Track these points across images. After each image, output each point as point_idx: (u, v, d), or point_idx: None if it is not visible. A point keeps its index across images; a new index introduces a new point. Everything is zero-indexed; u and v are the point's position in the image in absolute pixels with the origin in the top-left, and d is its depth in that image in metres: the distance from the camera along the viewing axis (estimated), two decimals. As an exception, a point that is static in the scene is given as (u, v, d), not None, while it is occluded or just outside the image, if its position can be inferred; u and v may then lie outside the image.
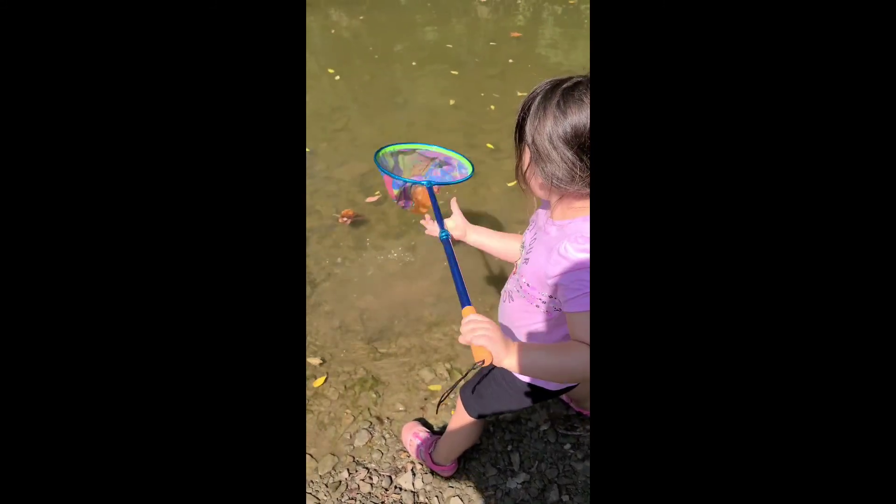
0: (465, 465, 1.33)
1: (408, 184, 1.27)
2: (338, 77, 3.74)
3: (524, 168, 0.78)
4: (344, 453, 1.39)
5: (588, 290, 0.72)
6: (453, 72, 3.75)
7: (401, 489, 1.30)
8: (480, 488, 1.29)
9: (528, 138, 0.74)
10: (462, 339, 0.72)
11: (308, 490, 1.30)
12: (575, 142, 0.70)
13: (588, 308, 0.72)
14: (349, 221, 2.25)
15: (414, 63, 3.93)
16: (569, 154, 0.71)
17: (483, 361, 0.70)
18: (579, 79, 0.72)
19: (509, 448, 1.37)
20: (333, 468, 1.35)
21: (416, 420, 1.45)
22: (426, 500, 1.27)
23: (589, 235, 0.73)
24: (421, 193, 1.29)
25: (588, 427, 1.42)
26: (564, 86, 0.72)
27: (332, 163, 2.69)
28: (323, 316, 1.82)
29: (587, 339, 0.73)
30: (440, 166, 1.33)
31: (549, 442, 1.39)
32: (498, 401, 1.06)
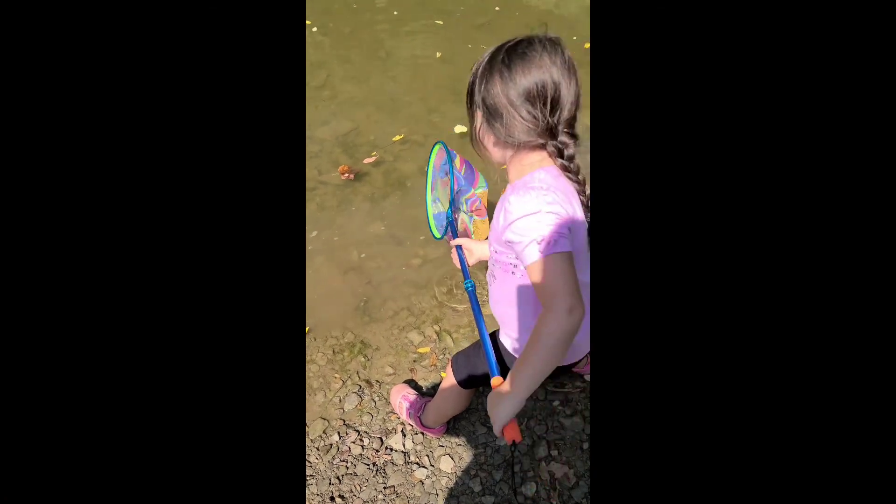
0: (455, 425, 1.35)
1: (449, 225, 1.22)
2: (315, 29, 3.55)
3: (478, 130, 0.80)
4: (334, 417, 1.40)
5: (534, 236, 0.71)
6: (438, 21, 3.57)
7: (392, 450, 1.31)
8: (470, 447, 1.31)
9: (478, 100, 0.77)
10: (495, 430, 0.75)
11: (299, 454, 1.32)
12: (521, 94, 0.73)
13: (539, 257, 0.71)
14: (352, 177, 2.18)
15: (396, 13, 3.73)
16: (517, 107, 0.73)
17: (513, 441, 0.73)
18: (522, 38, 0.75)
19: (498, 407, 1.39)
20: (324, 432, 1.36)
21: (404, 382, 1.45)
22: (417, 460, 1.29)
23: (533, 185, 0.75)
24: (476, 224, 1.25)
25: (576, 384, 1.43)
26: (508, 45, 0.75)
27: (312, 122, 2.58)
28: (309, 280, 1.79)
29: (546, 294, 0.71)
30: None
31: (538, 399, 1.40)
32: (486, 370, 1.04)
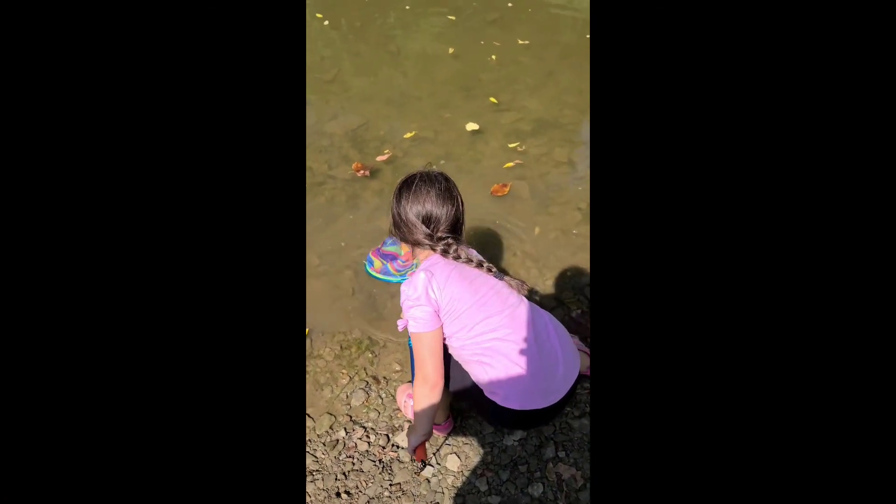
0: (462, 424, 1.34)
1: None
2: (327, 22, 3.54)
3: (391, 228, 1.13)
4: (341, 413, 1.39)
5: (405, 318, 1.04)
6: (450, 17, 3.55)
7: (398, 447, 1.31)
8: (477, 445, 1.30)
9: (390, 213, 1.11)
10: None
11: (306, 449, 1.31)
12: (406, 214, 1.05)
13: (408, 333, 1.05)
14: (367, 173, 2.18)
15: (408, 7, 3.71)
16: (405, 221, 1.06)
17: (422, 461, 1.15)
18: (413, 174, 1.07)
19: (506, 407, 1.38)
20: (331, 427, 1.36)
21: (409, 382, 1.45)
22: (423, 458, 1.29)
23: (417, 274, 1.04)
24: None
25: (585, 385, 1.42)
26: (404, 179, 1.07)
27: (322, 116, 2.58)
28: (317, 276, 1.79)
29: (414, 363, 1.07)
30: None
31: (546, 400, 1.39)
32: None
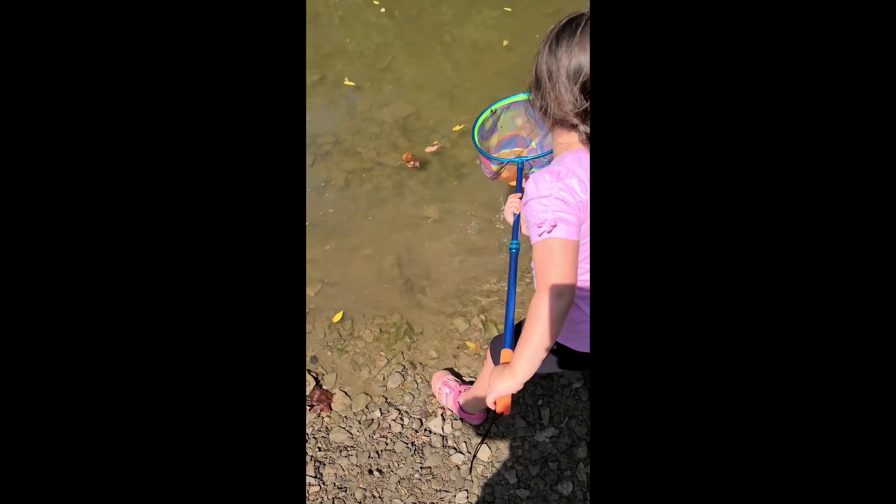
0: (494, 415, 1.35)
1: (504, 163, 1.29)
2: (383, 10, 3.57)
3: (531, 93, 0.82)
4: (377, 394, 1.43)
5: (537, 220, 0.73)
6: (506, 8, 3.50)
7: (431, 432, 1.33)
8: (508, 438, 1.31)
9: (532, 68, 0.78)
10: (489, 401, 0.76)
11: (342, 425, 1.36)
12: (559, 71, 0.72)
13: (536, 239, 0.72)
14: (418, 164, 2.21)
15: (464, -3, 3.68)
16: (554, 82, 0.73)
17: (501, 413, 0.75)
18: (583, 13, 0.73)
19: (539, 402, 1.38)
20: (366, 406, 1.40)
21: (445, 369, 1.47)
22: (454, 445, 1.31)
23: (555, 168, 0.75)
24: (508, 170, 1.31)
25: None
26: (568, 17, 0.74)
27: (374, 103, 2.62)
28: (360, 259, 1.83)
29: (539, 275, 0.72)
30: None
31: (581, 399, 1.38)
32: None
